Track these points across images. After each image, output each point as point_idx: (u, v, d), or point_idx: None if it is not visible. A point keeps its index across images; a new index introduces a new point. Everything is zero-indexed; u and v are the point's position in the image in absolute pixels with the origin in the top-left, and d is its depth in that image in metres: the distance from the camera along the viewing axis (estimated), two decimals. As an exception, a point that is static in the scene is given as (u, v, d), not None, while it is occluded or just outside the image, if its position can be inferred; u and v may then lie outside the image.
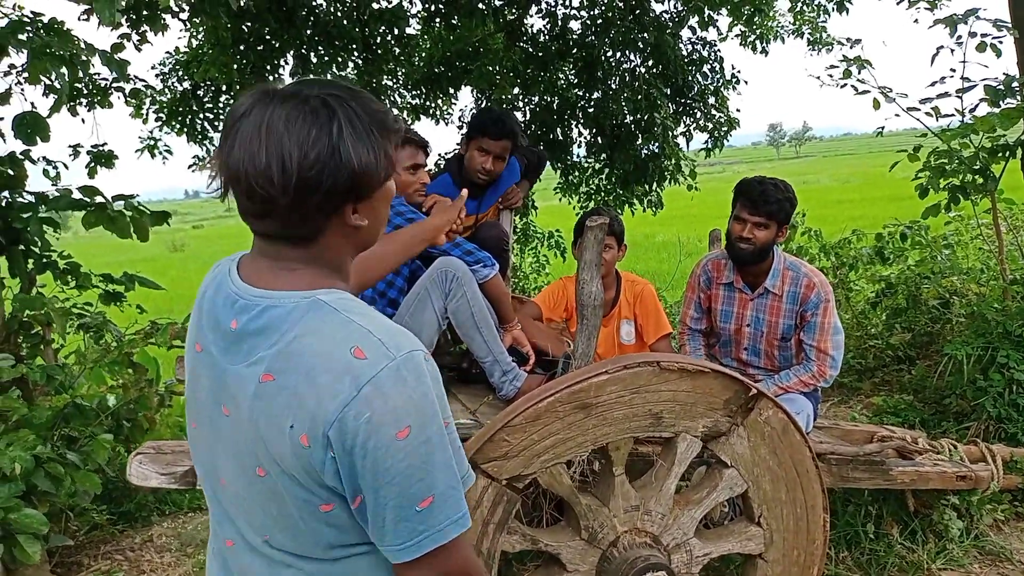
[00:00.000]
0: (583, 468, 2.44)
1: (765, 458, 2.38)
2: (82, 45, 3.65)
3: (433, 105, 8.70)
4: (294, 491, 1.07)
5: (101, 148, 5.41)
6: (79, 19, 4.68)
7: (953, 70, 4.14)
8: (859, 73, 4.39)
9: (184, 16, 5.79)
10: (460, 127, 8.50)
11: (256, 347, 1.07)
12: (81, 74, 3.69)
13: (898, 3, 4.79)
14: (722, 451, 2.36)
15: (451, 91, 8.37)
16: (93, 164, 5.35)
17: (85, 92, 5.38)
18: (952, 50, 4.11)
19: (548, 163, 8.33)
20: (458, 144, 3.52)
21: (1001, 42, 4.00)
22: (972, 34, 4.05)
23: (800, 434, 2.40)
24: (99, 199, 3.52)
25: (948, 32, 4.03)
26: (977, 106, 4.19)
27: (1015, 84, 3.95)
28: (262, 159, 1.02)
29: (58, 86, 3.56)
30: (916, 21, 4.83)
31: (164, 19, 4.84)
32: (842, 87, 4.41)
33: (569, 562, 2.28)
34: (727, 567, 3.13)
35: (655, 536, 2.33)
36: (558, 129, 8.15)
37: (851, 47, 4.52)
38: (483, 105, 8.16)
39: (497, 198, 3.60)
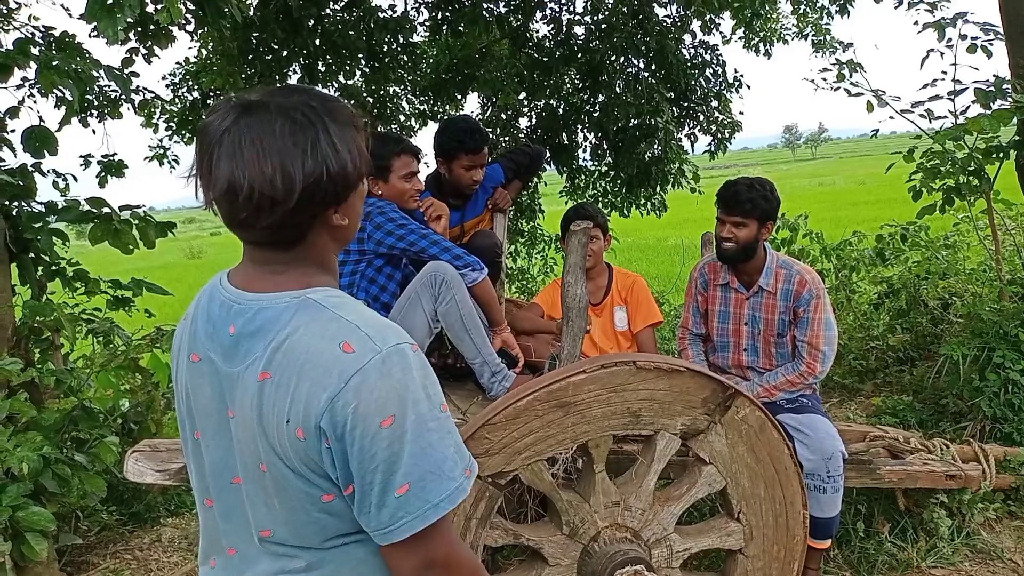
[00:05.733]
0: (567, 465, 2.50)
1: (743, 455, 2.44)
2: (89, 60, 3.77)
3: (441, 110, 8.80)
4: (296, 484, 1.13)
5: (111, 158, 5.55)
6: (89, 36, 4.79)
7: (944, 72, 4.18)
8: (851, 76, 4.43)
9: (190, 28, 5.91)
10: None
11: (252, 348, 1.14)
12: (88, 88, 3.80)
13: (896, 6, 4.82)
14: (700, 448, 2.42)
15: (458, 97, 8.47)
16: (103, 174, 5.49)
17: (96, 103, 5.53)
18: (942, 53, 4.14)
19: (553, 166, 8.42)
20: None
21: (992, 43, 4.02)
22: (962, 37, 4.08)
23: (778, 432, 2.46)
24: (105, 210, 3.62)
25: (936, 36, 4.06)
26: (968, 108, 4.22)
27: (1005, 86, 3.98)
28: (268, 169, 1.08)
29: (69, 98, 3.67)
30: (916, 23, 4.85)
31: (171, 32, 4.96)
32: (835, 90, 4.46)
33: (551, 556, 2.34)
34: (718, 563, 3.18)
35: (635, 531, 2.39)
36: (564, 134, 8.23)
37: (843, 50, 4.57)
38: (488, 113, 8.25)
39: (481, 205, 3.68)
